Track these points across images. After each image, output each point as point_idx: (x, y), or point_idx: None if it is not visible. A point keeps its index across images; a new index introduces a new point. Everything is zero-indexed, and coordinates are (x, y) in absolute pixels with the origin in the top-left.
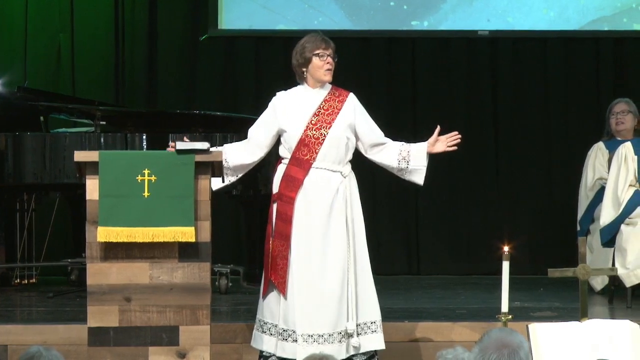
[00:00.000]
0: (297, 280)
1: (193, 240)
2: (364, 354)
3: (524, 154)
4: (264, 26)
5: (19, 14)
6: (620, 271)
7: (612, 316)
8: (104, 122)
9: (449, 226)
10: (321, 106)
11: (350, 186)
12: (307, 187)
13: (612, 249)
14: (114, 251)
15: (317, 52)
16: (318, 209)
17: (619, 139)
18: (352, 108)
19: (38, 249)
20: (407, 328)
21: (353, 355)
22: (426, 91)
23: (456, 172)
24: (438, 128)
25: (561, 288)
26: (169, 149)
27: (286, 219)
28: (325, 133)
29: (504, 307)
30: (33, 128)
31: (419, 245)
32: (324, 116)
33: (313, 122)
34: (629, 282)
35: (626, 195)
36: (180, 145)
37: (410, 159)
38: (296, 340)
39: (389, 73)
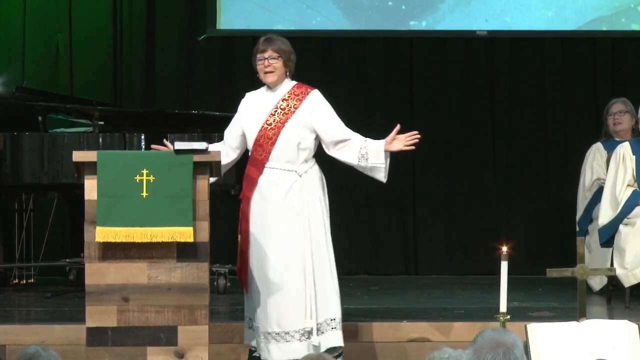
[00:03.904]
0: (256, 277)
1: (191, 240)
2: (328, 351)
3: (522, 153)
4: (262, 26)
5: (17, 13)
6: (619, 271)
7: (611, 316)
8: (102, 122)
9: (447, 226)
10: (278, 105)
11: (308, 185)
12: (261, 187)
13: (611, 249)
14: (112, 251)
15: (256, 56)
16: (270, 208)
17: (617, 139)
18: (310, 106)
19: (36, 249)
20: (404, 328)
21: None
22: (424, 91)
23: (454, 172)
24: (397, 127)
25: (559, 288)
26: (156, 147)
27: (244, 218)
28: (278, 133)
29: (503, 307)
30: (31, 128)
31: (417, 245)
32: (280, 115)
33: (269, 121)
34: (627, 282)
35: (624, 195)
36: (179, 145)
37: (369, 157)
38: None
39: (387, 73)
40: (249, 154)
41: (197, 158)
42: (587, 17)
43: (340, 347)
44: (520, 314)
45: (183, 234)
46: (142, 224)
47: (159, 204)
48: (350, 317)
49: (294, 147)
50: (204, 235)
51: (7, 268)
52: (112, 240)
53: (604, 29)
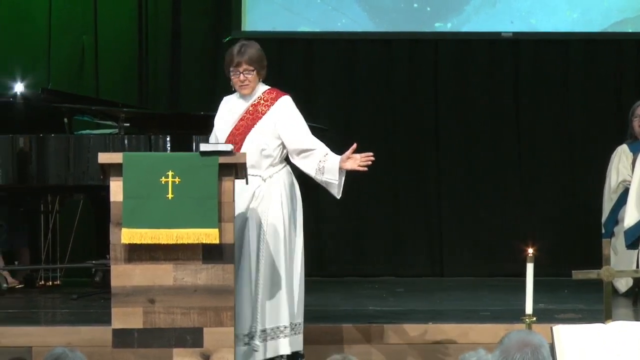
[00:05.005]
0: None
1: (217, 241)
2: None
3: (547, 155)
4: (287, 28)
5: (43, 16)
6: None
7: (637, 318)
8: (128, 124)
9: (472, 228)
10: (247, 110)
11: (270, 190)
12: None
13: (636, 250)
14: (138, 253)
15: (230, 68)
16: (237, 211)
17: None
18: (276, 113)
19: (62, 250)
20: (430, 330)
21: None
22: (448, 93)
23: (479, 174)
24: (354, 145)
25: (585, 290)
26: None
27: None
28: (244, 137)
29: (528, 309)
30: (57, 130)
31: (442, 247)
32: (247, 121)
33: (237, 127)
34: None
35: None
36: (204, 147)
37: (324, 172)
38: None
39: (412, 75)
40: None
41: (222, 160)
42: (613, 19)
43: (295, 353)
44: (546, 316)
45: (209, 235)
46: (168, 225)
47: (184, 205)
48: (376, 319)
49: (257, 152)
50: (230, 237)
51: (33, 270)
52: (138, 242)
53: (630, 30)
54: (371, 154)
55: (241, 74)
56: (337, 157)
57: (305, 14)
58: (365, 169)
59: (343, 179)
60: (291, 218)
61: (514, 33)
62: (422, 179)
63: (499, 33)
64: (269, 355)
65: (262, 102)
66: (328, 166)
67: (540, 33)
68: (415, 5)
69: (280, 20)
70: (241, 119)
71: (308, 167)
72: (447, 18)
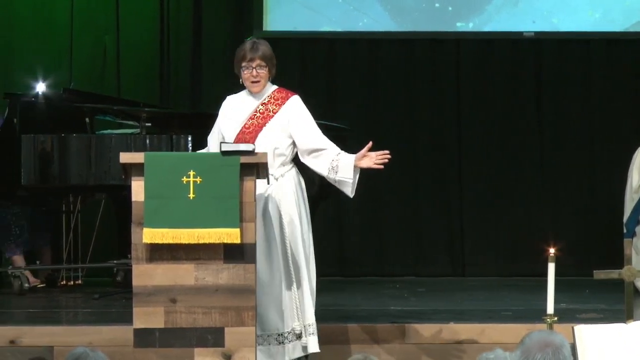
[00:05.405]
0: None
1: (238, 241)
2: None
3: (568, 154)
4: (308, 28)
5: (65, 15)
6: None
7: None
8: (149, 124)
9: (494, 228)
10: (257, 109)
11: (283, 190)
12: None
13: None
14: (160, 252)
15: (242, 64)
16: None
17: None
18: (288, 112)
19: (84, 250)
20: (451, 329)
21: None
22: (470, 92)
23: (500, 173)
24: (370, 143)
25: (606, 290)
26: None
27: None
28: (255, 136)
29: (550, 308)
30: (78, 130)
31: (463, 247)
32: (258, 120)
33: (247, 125)
34: None
35: None
36: (225, 146)
37: (338, 170)
38: None
39: (433, 74)
40: None
41: (243, 159)
42: (634, 18)
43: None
44: (567, 315)
45: (230, 235)
46: (189, 225)
47: (205, 205)
48: (398, 319)
49: (270, 151)
50: (251, 237)
51: (55, 269)
52: (159, 242)
53: None
54: (387, 151)
55: (254, 69)
56: (351, 156)
57: (327, 14)
58: (382, 166)
59: (357, 177)
60: (304, 217)
61: (536, 33)
62: (444, 179)
63: (520, 33)
64: (296, 355)
65: (272, 100)
66: (342, 164)
67: (562, 33)
68: (437, 5)
69: (301, 20)
70: (251, 118)
71: (320, 166)
72: (469, 18)
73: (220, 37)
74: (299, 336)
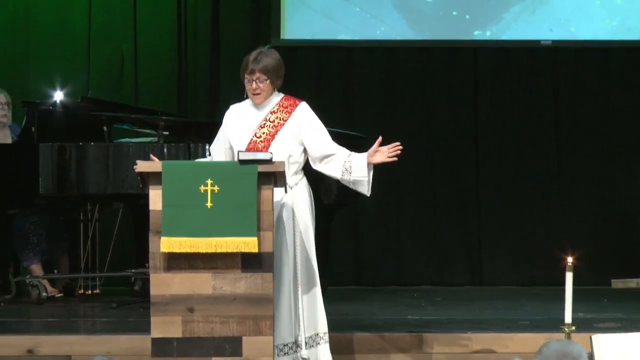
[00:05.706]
0: None
1: (256, 250)
2: None
3: (585, 163)
4: (326, 36)
5: (83, 24)
6: None
7: None
8: (167, 132)
9: (511, 236)
10: (267, 118)
11: (297, 199)
12: None
13: None
14: (177, 261)
15: (245, 76)
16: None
17: None
18: (298, 120)
19: (101, 259)
20: (469, 339)
21: None
22: (487, 101)
23: (517, 182)
24: (379, 139)
25: (625, 299)
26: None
27: None
28: (268, 145)
29: (568, 318)
30: (96, 138)
31: (481, 256)
32: (270, 128)
33: (258, 134)
34: None
35: None
36: (243, 155)
37: (352, 171)
38: None
39: (451, 83)
40: None
41: (261, 168)
42: None
43: None
44: (585, 325)
45: (248, 244)
46: (207, 234)
47: (223, 214)
48: (415, 328)
49: (284, 159)
50: (269, 246)
51: (73, 278)
52: (177, 251)
53: None
54: (398, 143)
55: (254, 82)
56: (363, 154)
57: (345, 22)
58: (395, 159)
59: (372, 174)
60: (312, 227)
61: (553, 41)
62: (461, 187)
63: (538, 41)
64: None
65: (281, 108)
66: (355, 165)
67: (579, 41)
68: (455, 13)
69: (319, 28)
70: (261, 127)
71: (333, 170)
72: (486, 26)
73: (238, 46)
74: (310, 345)
